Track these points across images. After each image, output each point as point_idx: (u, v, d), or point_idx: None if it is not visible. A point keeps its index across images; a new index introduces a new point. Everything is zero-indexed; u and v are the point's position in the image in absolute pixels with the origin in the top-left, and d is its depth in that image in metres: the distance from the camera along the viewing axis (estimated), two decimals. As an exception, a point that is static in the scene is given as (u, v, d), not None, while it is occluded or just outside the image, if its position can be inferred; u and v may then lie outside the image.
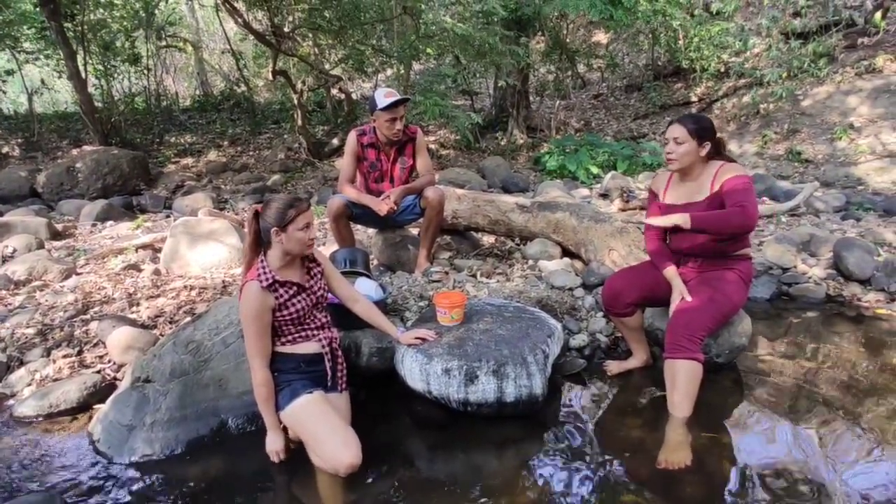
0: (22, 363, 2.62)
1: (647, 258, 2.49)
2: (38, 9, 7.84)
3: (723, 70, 9.10)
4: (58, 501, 1.76)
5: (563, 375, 2.52)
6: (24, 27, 8.67)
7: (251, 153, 8.99)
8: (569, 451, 2.00)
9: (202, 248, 3.74)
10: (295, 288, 1.94)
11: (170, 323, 2.91)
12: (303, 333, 1.98)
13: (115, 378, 2.54)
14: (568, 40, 9.60)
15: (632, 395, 2.41)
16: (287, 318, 1.92)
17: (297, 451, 1.95)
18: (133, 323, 2.81)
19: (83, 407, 2.33)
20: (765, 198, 5.29)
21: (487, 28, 7.33)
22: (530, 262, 3.60)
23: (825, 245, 3.77)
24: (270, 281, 1.87)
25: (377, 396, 2.39)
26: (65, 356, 2.62)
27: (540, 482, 1.85)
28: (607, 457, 1.97)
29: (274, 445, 1.92)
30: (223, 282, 3.44)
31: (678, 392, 2.07)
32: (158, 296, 3.26)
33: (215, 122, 10.53)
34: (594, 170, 7.12)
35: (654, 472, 1.86)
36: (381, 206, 3.04)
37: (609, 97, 11.14)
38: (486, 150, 8.93)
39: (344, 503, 1.80)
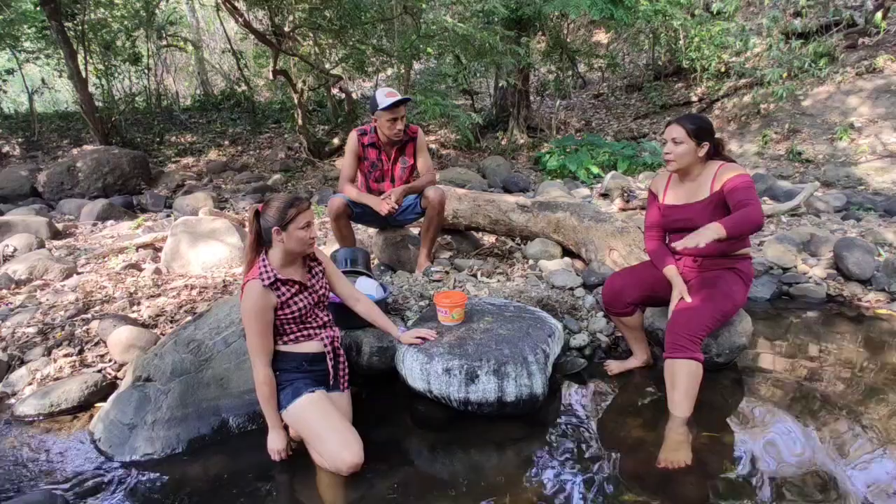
0: (23, 362, 2.62)
1: (648, 258, 2.49)
2: (38, 8, 7.84)
3: (723, 70, 9.10)
4: (59, 500, 1.76)
5: (564, 375, 2.52)
6: (25, 26, 8.67)
7: (252, 153, 8.99)
8: (569, 450, 2.01)
9: (203, 248, 3.74)
10: (297, 287, 1.94)
11: (171, 322, 2.91)
12: (305, 332, 1.98)
13: (115, 377, 2.54)
14: (568, 40, 9.60)
15: (632, 394, 2.41)
16: (289, 316, 1.92)
17: (298, 450, 1.96)
18: (134, 322, 2.81)
19: (84, 406, 2.33)
20: (765, 197, 5.29)
21: (488, 27, 7.34)
22: (531, 261, 3.60)
23: (826, 245, 3.77)
24: (272, 279, 1.87)
25: (378, 396, 2.40)
26: (66, 355, 2.63)
27: (540, 481, 1.85)
28: (607, 456, 1.97)
29: (276, 444, 1.93)
30: (224, 281, 3.44)
31: (678, 391, 2.07)
32: (159, 295, 3.26)
33: (216, 121, 10.54)
34: (595, 169, 7.12)
35: (654, 472, 1.86)
36: (382, 206, 3.04)
37: (609, 97, 11.14)
38: (486, 150, 8.94)
39: (345, 502, 1.80)
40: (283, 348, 1.96)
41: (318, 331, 2.02)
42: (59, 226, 5.03)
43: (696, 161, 2.24)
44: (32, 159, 7.93)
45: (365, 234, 4.19)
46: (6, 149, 8.28)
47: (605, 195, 5.89)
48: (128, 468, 1.96)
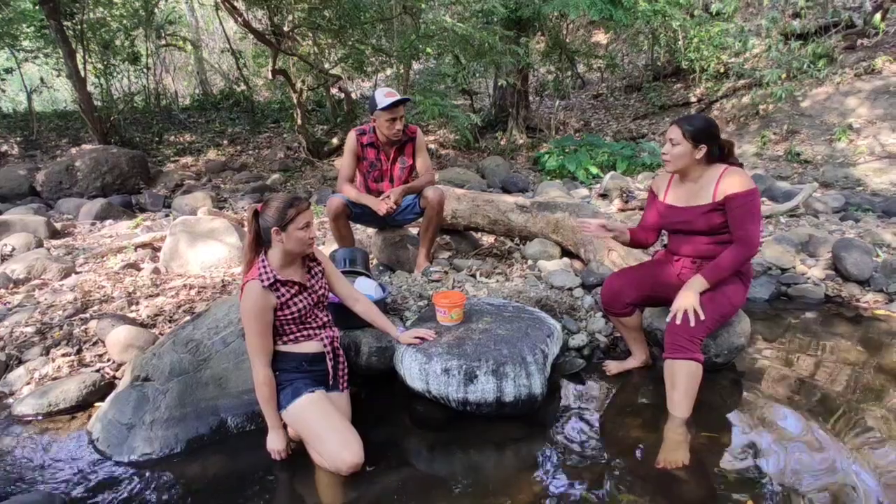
0: (21, 362, 2.62)
1: (647, 258, 2.49)
2: (37, 7, 7.82)
3: (722, 71, 9.11)
4: (57, 500, 1.76)
5: (563, 375, 2.52)
6: (24, 25, 8.65)
7: (250, 152, 8.99)
8: (568, 450, 2.01)
9: (202, 247, 3.74)
10: (296, 287, 1.94)
11: (169, 322, 2.91)
12: (304, 332, 1.98)
13: (114, 377, 2.54)
14: (568, 40, 9.61)
15: (631, 394, 2.41)
16: (289, 317, 1.92)
17: (297, 450, 1.96)
18: (132, 322, 2.80)
19: (82, 405, 2.32)
20: (764, 198, 5.29)
21: (487, 28, 7.33)
22: (530, 261, 3.60)
23: (824, 246, 3.78)
24: (272, 280, 1.87)
25: (377, 396, 2.40)
26: (64, 355, 2.62)
27: (539, 481, 1.85)
28: (606, 456, 1.97)
29: (276, 444, 1.93)
30: (223, 281, 3.44)
31: (677, 392, 2.07)
32: (158, 295, 3.26)
33: (215, 121, 10.53)
34: (594, 170, 7.12)
35: (652, 472, 1.86)
36: (381, 206, 3.04)
37: (609, 97, 11.14)
38: (485, 150, 8.94)
39: (344, 502, 1.80)
40: (282, 348, 1.96)
41: (317, 331, 2.02)
42: (58, 225, 5.02)
43: (693, 163, 2.21)
44: (31, 158, 7.92)
45: (364, 234, 4.19)
46: (5, 148, 8.26)
47: (603, 195, 5.89)
48: (126, 468, 1.96)
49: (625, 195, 5.68)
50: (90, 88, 8.11)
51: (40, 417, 2.27)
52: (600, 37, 12.18)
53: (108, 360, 2.62)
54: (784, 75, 7.52)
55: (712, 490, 1.79)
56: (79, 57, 7.80)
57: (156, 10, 9.62)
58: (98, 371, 2.53)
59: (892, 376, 2.46)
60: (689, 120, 2.21)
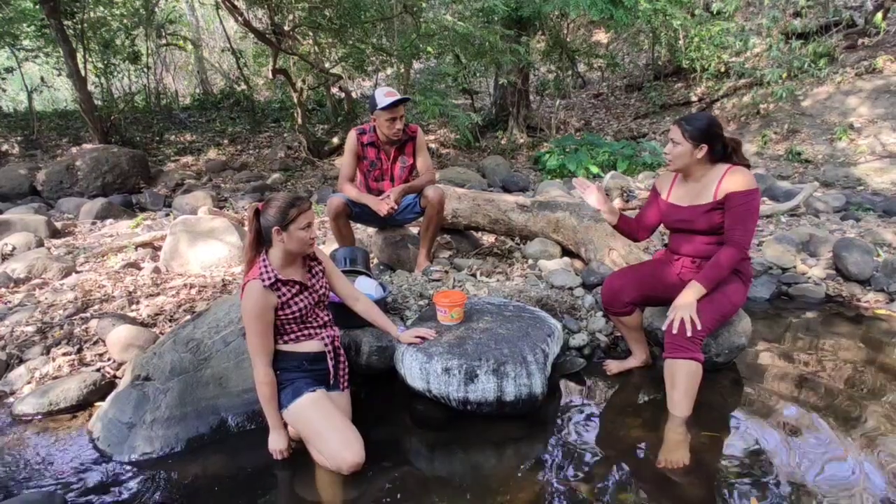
0: (21, 361, 2.62)
1: (647, 258, 2.49)
2: (37, 6, 7.82)
3: (723, 70, 9.10)
4: (57, 499, 1.76)
5: (563, 375, 2.52)
6: (24, 25, 8.65)
7: (251, 152, 8.99)
8: (568, 450, 2.01)
9: (202, 247, 3.74)
10: (297, 287, 1.94)
11: (169, 321, 2.91)
12: (305, 332, 1.98)
13: (114, 376, 2.54)
14: (568, 39, 9.59)
15: (631, 394, 2.41)
16: (290, 316, 1.92)
17: (298, 449, 1.96)
18: (133, 321, 2.81)
19: (83, 405, 2.32)
20: (765, 198, 5.29)
21: (488, 26, 7.33)
22: (530, 261, 3.60)
23: (825, 245, 3.78)
24: (273, 280, 1.87)
25: (377, 395, 2.40)
26: (64, 354, 2.62)
27: (539, 481, 1.85)
28: (607, 456, 1.97)
29: (277, 444, 1.93)
30: (223, 280, 3.44)
31: (678, 391, 2.07)
32: (158, 294, 3.26)
33: (215, 120, 10.53)
34: (594, 169, 7.12)
35: (653, 472, 1.86)
36: (381, 206, 3.04)
37: (609, 97, 11.14)
38: (486, 150, 8.94)
39: (344, 501, 1.80)
40: (283, 348, 1.96)
41: (318, 330, 2.02)
42: (58, 224, 5.02)
43: (693, 163, 2.20)
44: (31, 158, 7.92)
45: (364, 233, 4.19)
46: (5, 147, 8.27)
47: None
48: (126, 467, 1.96)
49: (625, 194, 5.68)
50: (91, 88, 8.11)
51: (41, 417, 2.27)
52: (601, 36, 12.17)
53: (109, 360, 2.62)
54: (785, 75, 7.52)
55: (713, 490, 1.79)
56: (79, 56, 7.80)
57: (156, 10, 9.62)
58: (98, 370, 2.53)
59: (892, 376, 2.46)
60: (690, 119, 2.20)
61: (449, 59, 9.08)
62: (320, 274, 2.07)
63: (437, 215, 3.22)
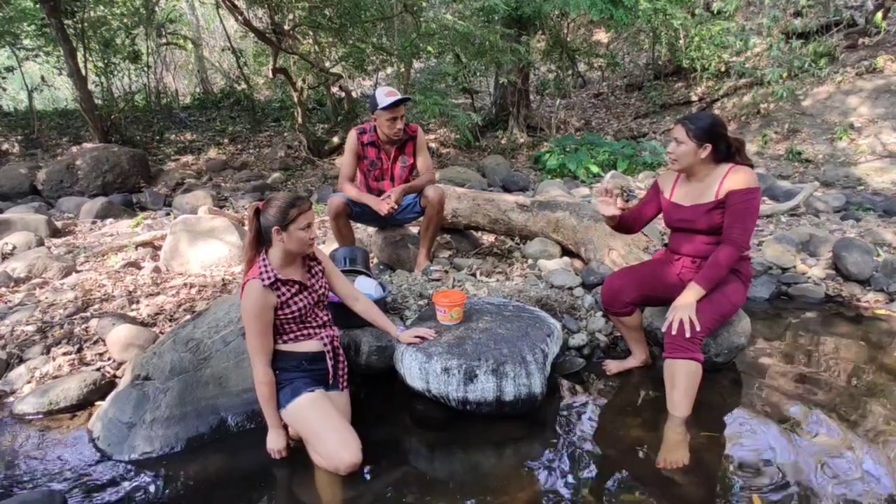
0: (22, 360, 2.62)
1: (647, 258, 2.49)
2: (38, 6, 7.82)
3: (723, 69, 9.09)
4: (57, 499, 1.76)
5: (563, 375, 2.52)
6: (25, 24, 8.65)
7: (251, 151, 8.99)
8: (568, 450, 2.01)
9: (202, 246, 3.74)
10: (296, 286, 1.94)
11: (170, 321, 2.91)
12: (304, 332, 1.98)
13: (114, 375, 2.54)
14: (568, 39, 9.59)
15: (631, 394, 2.41)
16: (289, 316, 1.92)
17: (297, 449, 1.96)
18: (133, 320, 2.81)
19: (83, 404, 2.33)
20: (765, 198, 5.29)
21: (488, 26, 7.33)
22: (530, 261, 3.60)
23: (825, 245, 3.78)
24: (272, 279, 1.87)
25: (376, 395, 2.40)
26: (65, 353, 2.63)
27: (539, 481, 1.85)
28: (606, 456, 1.97)
29: (275, 444, 1.93)
30: (223, 280, 3.44)
31: (677, 391, 2.07)
32: (158, 293, 3.26)
33: (215, 119, 10.53)
34: (594, 169, 7.12)
35: (652, 472, 1.86)
36: (382, 206, 3.04)
37: (609, 96, 11.14)
38: (486, 149, 8.93)
39: (343, 501, 1.80)
40: (282, 347, 1.96)
41: (317, 330, 2.02)
42: (59, 224, 5.02)
43: (697, 162, 2.19)
44: (32, 157, 7.92)
45: (364, 232, 4.19)
46: (5, 146, 8.27)
47: (604, 195, 5.88)
48: (126, 467, 1.96)
49: (625, 194, 5.68)
50: (91, 87, 8.11)
51: (41, 416, 2.27)
52: (601, 35, 12.16)
53: (109, 359, 2.62)
54: (785, 74, 7.51)
55: (712, 490, 1.79)
56: (79, 55, 7.80)
57: (156, 9, 9.62)
58: (99, 370, 2.54)
59: (893, 375, 2.46)
60: (694, 119, 2.19)
61: (449, 59, 9.07)
62: (320, 274, 2.07)
63: (437, 215, 3.22)
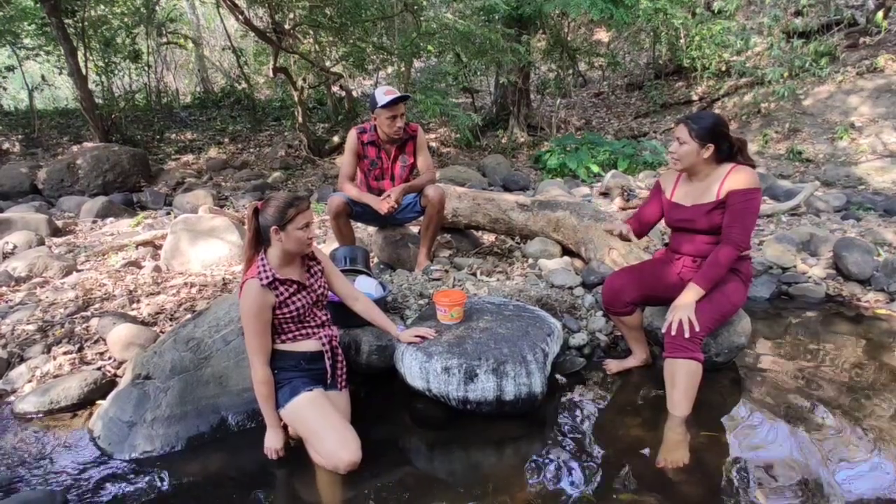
0: (22, 359, 2.62)
1: (648, 257, 2.49)
2: (38, 5, 7.82)
3: (724, 69, 9.09)
4: (58, 498, 1.76)
5: (563, 374, 2.52)
6: (25, 23, 8.65)
7: (252, 150, 8.99)
8: (568, 449, 2.01)
9: (203, 245, 3.74)
10: (295, 286, 1.94)
11: (170, 320, 2.91)
12: (303, 331, 1.99)
13: (115, 375, 2.54)
14: (569, 38, 9.58)
15: (631, 394, 2.41)
16: (287, 315, 1.92)
17: (296, 449, 1.96)
18: (133, 320, 2.81)
19: (84, 403, 2.33)
20: (765, 197, 5.28)
21: (488, 25, 7.33)
22: (530, 260, 3.60)
23: (825, 245, 3.77)
24: (271, 279, 1.87)
25: (377, 394, 2.40)
26: (65, 353, 2.63)
27: (539, 480, 1.85)
28: (606, 455, 1.97)
29: (273, 443, 1.93)
30: (223, 279, 3.45)
31: (677, 391, 2.07)
32: (159, 293, 3.26)
33: (216, 119, 10.53)
34: (595, 168, 7.12)
35: (653, 471, 1.86)
36: (382, 206, 3.04)
37: (610, 96, 11.13)
38: (486, 149, 8.93)
39: (343, 500, 1.80)
40: (281, 347, 1.96)
41: (316, 330, 2.02)
42: (59, 223, 5.02)
43: (699, 162, 2.18)
44: (32, 156, 7.93)
45: (364, 232, 4.19)
46: (6, 146, 8.27)
47: (604, 194, 5.89)
48: (127, 466, 1.97)
49: (626, 193, 5.67)
50: (91, 86, 8.11)
51: (42, 415, 2.27)
52: (602, 35, 12.15)
53: (110, 358, 2.62)
54: (786, 74, 7.51)
55: (712, 489, 1.79)
56: (80, 55, 7.80)
57: (157, 8, 9.62)
58: (99, 369, 2.54)
59: (893, 375, 2.46)
60: (696, 118, 2.18)
61: (449, 58, 9.07)
62: (319, 274, 2.07)
63: (438, 214, 3.22)
